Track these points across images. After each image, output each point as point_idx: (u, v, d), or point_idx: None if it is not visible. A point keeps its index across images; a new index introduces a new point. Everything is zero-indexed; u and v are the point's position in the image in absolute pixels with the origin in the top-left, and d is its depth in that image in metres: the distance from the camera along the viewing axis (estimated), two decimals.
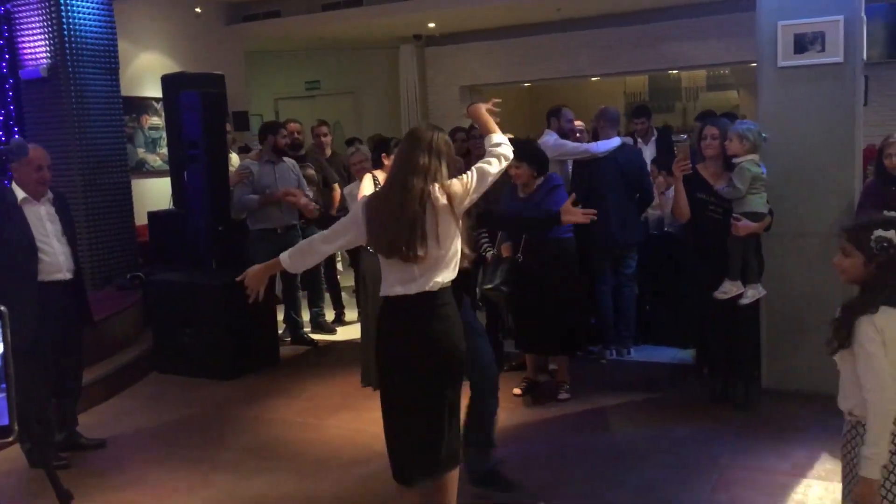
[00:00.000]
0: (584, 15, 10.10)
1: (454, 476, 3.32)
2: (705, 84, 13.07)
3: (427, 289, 3.10)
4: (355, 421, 5.09)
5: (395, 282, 3.14)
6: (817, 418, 4.75)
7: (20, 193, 4.41)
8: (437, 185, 3.08)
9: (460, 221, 3.14)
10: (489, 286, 5.06)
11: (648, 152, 7.54)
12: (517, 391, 5.39)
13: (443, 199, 3.07)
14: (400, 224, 3.04)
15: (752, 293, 4.82)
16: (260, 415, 5.29)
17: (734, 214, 4.77)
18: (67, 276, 4.53)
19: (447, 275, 3.14)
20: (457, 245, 3.15)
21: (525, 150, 5.21)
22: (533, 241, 5.06)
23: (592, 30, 10.35)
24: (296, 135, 7.13)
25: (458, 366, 3.20)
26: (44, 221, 4.46)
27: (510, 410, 5.12)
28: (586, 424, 4.91)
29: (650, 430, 4.76)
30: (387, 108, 11.76)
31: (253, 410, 5.38)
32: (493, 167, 3.20)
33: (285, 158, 6.71)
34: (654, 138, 7.83)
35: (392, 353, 3.19)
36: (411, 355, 3.13)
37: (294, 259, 3.27)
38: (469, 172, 3.17)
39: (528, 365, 5.49)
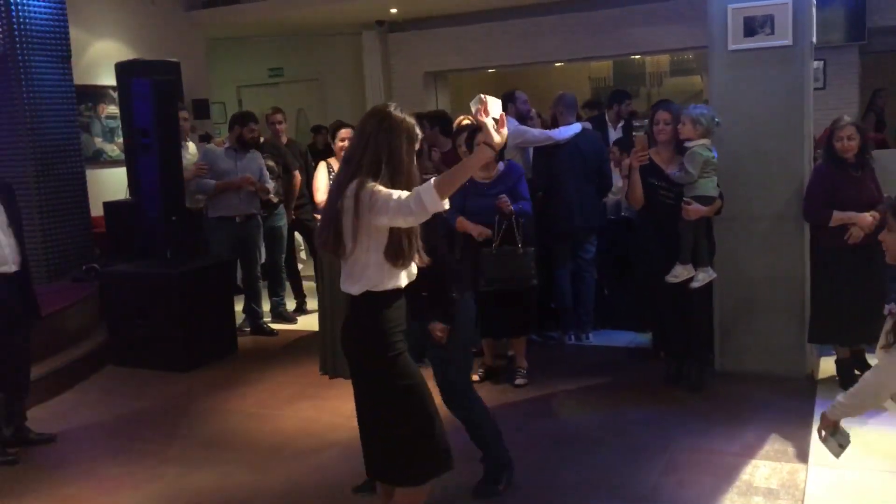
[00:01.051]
0: (547, 0, 10.07)
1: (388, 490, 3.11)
2: (669, 69, 13.09)
3: (349, 290, 2.92)
4: (311, 410, 5.06)
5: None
6: (768, 400, 4.80)
7: None
8: (354, 182, 2.76)
9: (367, 232, 2.78)
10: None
11: (616, 137, 7.59)
12: (475, 378, 5.38)
13: (350, 200, 2.76)
14: (324, 219, 2.91)
15: (703, 276, 4.85)
16: (214, 406, 5.25)
17: (684, 198, 4.78)
18: (13, 268, 4.44)
19: (352, 284, 2.88)
20: (361, 255, 2.82)
21: None
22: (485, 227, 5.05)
23: (556, 15, 10.30)
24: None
25: (365, 377, 2.96)
26: None
27: None
28: (541, 409, 4.91)
29: (604, 413, 4.78)
30: (351, 96, 11.66)
31: (207, 402, 5.33)
32: (394, 205, 2.67)
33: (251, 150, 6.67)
34: (622, 124, 7.86)
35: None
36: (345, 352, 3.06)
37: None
38: (388, 192, 2.71)
39: (485, 351, 5.49)
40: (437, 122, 6.50)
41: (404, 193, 2.70)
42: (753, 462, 4.01)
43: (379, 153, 2.80)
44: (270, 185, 6.66)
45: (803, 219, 4.92)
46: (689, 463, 4.06)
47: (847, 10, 9.26)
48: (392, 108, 2.89)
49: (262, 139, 7.17)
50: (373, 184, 2.75)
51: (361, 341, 2.93)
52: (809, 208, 4.84)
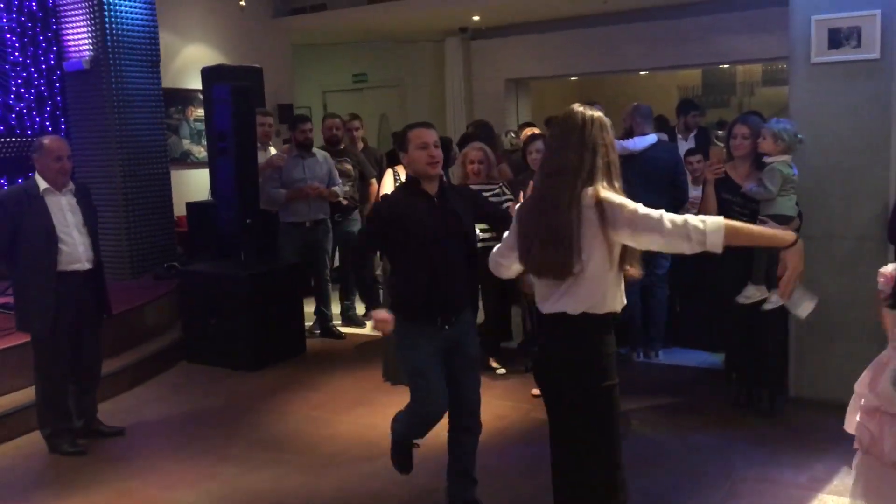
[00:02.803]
0: (631, 7, 9.87)
1: None
2: (761, 79, 12.66)
3: (563, 310, 2.70)
4: (369, 416, 5.08)
5: (540, 297, 2.79)
6: (843, 430, 4.53)
7: (42, 184, 4.50)
8: (589, 190, 2.59)
9: (610, 242, 2.61)
10: None
11: (687, 147, 7.44)
12: (536, 392, 5.30)
13: (591, 211, 2.57)
14: (549, 238, 2.63)
15: (777, 298, 4.63)
16: (277, 407, 5.33)
17: (760, 217, 4.60)
18: (87, 266, 4.61)
19: (569, 303, 2.69)
20: (602, 267, 2.63)
21: None
22: None
23: (640, 23, 10.11)
24: (334, 130, 7.15)
25: (572, 406, 2.76)
26: (65, 212, 4.54)
27: (525, 411, 5.06)
28: None
29: (666, 435, 4.63)
30: (432, 102, 11.72)
31: (271, 402, 5.41)
32: (666, 228, 2.50)
33: (317, 151, 6.73)
34: (693, 134, 7.71)
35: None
36: (542, 376, 2.87)
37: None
38: (645, 210, 2.55)
39: None
40: (482, 130, 6.39)
41: (667, 215, 2.53)
42: (820, 496, 3.82)
43: (609, 157, 2.65)
44: (339, 188, 6.71)
45: (887, 240, 4.66)
46: (752, 492, 3.90)
47: None
48: (595, 110, 2.73)
49: (342, 145, 7.25)
50: (611, 194, 2.59)
51: (574, 368, 2.72)
52: (894, 229, 4.58)
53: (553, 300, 2.71)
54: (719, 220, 2.53)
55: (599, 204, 2.56)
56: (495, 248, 3.05)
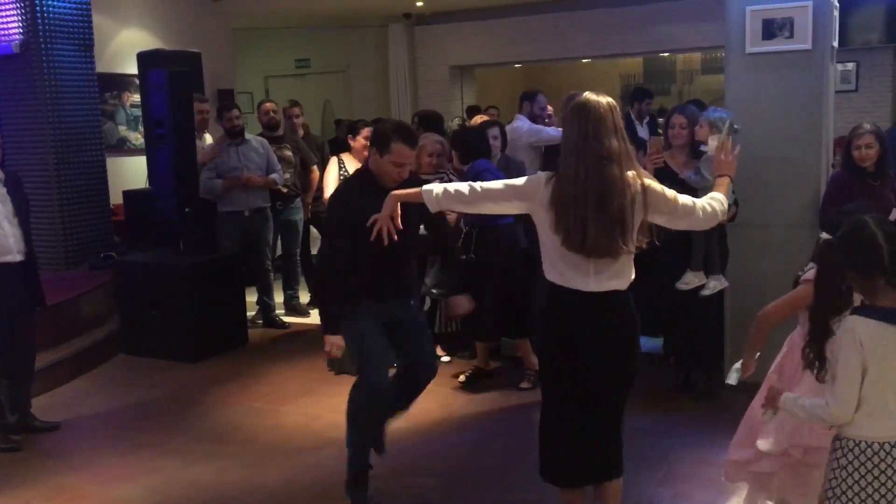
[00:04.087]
0: None
1: (616, 487, 3.17)
2: (700, 67, 12.91)
3: (614, 287, 2.88)
4: (313, 407, 5.05)
5: (580, 274, 2.87)
6: None
7: None
8: (633, 174, 2.80)
9: (643, 222, 2.85)
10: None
11: (642, 133, 7.66)
12: (461, 378, 5.33)
13: (640, 195, 2.79)
14: (605, 221, 2.75)
15: (714, 284, 4.75)
16: (218, 399, 5.26)
17: None
18: (18, 257, 4.47)
19: (611, 279, 2.86)
20: (635, 244, 2.86)
21: (455, 136, 5.36)
22: (473, 230, 5.02)
23: (585, 11, 10.22)
24: (271, 114, 7.05)
25: (616, 375, 3.00)
26: None
27: (468, 399, 5.09)
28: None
29: None
30: (376, 88, 11.66)
31: (212, 394, 5.34)
32: (700, 215, 2.91)
33: (251, 137, 6.63)
34: (646, 120, 7.89)
35: (560, 349, 3.00)
36: (582, 353, 2.93)
37: (443, 201, 2.98)
38: (674, 194, 2.89)
39: (477, 353, 5.43)
40: (430, 123, 6.31)
41: (698, 203, 2.90)
42: None
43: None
44: (277, 176, 6.60)
45: (819, 228, 4.79)
46: (688, 475, 3.99)
47: (886, 10, 9.04)
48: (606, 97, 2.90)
49: (281, 131, 7.16)
50: (651, 181, 2.86)
51: (625, 339, 2.96)
52: (825, 216, 4.71)
53: (602, 278, 2.86)
54: (720, 195, 2.99)
55: (644, 190, 2.81)
56: (461, 185, 2.99)
